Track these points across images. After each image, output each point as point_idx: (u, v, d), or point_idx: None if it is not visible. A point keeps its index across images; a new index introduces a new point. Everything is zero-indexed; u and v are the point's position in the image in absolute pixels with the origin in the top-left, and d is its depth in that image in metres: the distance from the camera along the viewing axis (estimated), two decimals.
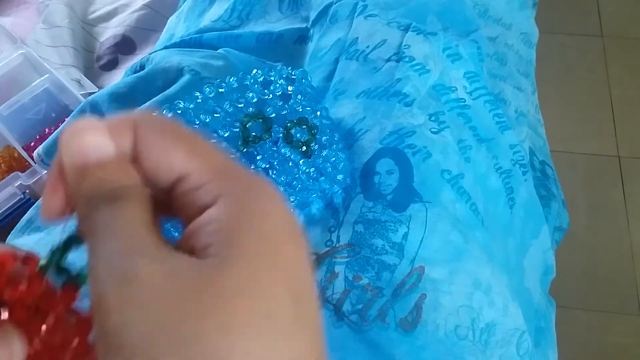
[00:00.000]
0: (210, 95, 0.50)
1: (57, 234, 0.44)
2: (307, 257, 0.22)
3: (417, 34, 0.59)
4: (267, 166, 0.49)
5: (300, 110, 0.50)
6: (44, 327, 0.23)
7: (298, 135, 0.49)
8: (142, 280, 0.19)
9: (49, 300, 0.23)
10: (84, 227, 0.21)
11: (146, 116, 0.23)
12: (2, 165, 0.84)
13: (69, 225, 0.24)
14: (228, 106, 0.49)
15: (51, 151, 0.67)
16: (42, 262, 0.23)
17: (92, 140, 0.22)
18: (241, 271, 0.19)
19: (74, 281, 0.24)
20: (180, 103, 0.50)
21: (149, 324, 0.18)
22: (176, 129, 0.23)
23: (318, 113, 0.51)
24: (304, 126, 0.49)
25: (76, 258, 0.24)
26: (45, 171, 0.75)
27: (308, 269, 0.21)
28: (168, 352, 0.18)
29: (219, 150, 0.23)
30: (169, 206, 0.23)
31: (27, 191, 0.80)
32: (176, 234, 0.47)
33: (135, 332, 0.18)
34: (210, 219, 0.21)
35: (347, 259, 0.47)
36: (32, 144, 0.85)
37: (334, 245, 0.48)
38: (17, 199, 0.79)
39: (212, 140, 0.23)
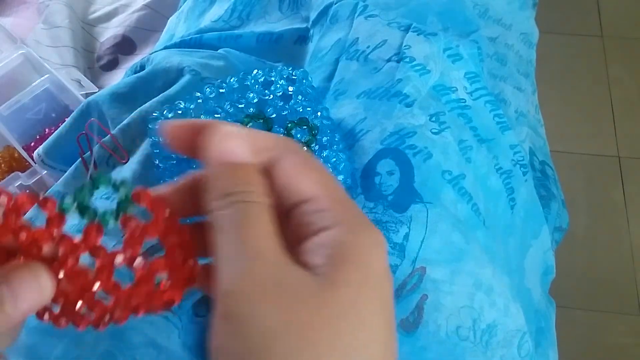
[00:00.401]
0: (211, 96, 0.50)
1: None
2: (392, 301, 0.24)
3: (418, 35, 0.59)
4: None
5: (301, 110, 0.50)
6: (69, 263, 0.23)
7: (298, 135, 0.49)
8: (266, 284, 0.22)
9: (70, 242, 0.23)
10: (216, 218, 0.24)
11: (288, 141, 0.27)
12: (2, 165, 0.84)
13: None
14: (229, 106, 0.49)
15: (51, 151, 0.67)
16: (67, 200, 0.24)
17: (240, 145, 0.25)
18: (347, 297, 0.22)
19: (98, 220, 0.24)
20: (181, 103, 0.50)
21: (269, 321, 0.21)
22: (310, 158, 0.26)
23: (319, 114, 0.51)
24: (305, 127, 0.49)
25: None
26: (45, 171, 0.75)
27: (393, 309, 0.24)
28: (282, 353, 0.21)
29: (340, 186, 0.26)
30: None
31: (27, 191, 0.80)
32: None
33: (256, 325, 0.21)
34: (326, 241, 0.23)
35: None
36: (32, 144, 0.85)
37: None
38: None
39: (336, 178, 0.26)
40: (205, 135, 0.25)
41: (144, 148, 0.55)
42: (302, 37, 0.68)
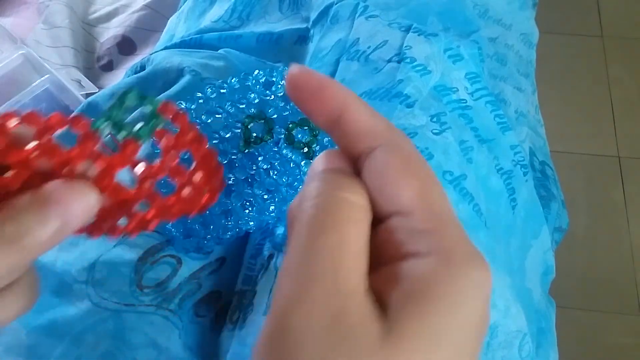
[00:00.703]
0: (212, 96, 0.50)
1: None
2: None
3: (418, 35, 0.59)
4: (268, 167, 0.49)
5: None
6: (108, 180, 0.23)
7: (300, 136, 0.49)
8: (322, 313, 0.18)
9: (107, 158, 0.23)
10: (300, 215, 0.21)
11: (403, 138, 0.22)
12: None
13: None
14: (229, 107, 0.49)
15: None
16: (100, 120, 0.24)
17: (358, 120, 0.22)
18: (410, 354, 0.18)
19: (134, 136, 0.24)
20: (181, 103, 0.50)
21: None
22: (416, 159, 0.22)
23: None
24: (306, 127, 0.49)
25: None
26: None
27: None
28: None
29: (449, 204, 0.21)
30: None
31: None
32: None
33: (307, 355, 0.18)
34: (411, 273, 0.19)
35: None
36: None
37: None
38: None
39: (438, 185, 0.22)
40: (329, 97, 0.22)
41: (144, 148, 0.55)
42: (302, 37, 0.68)
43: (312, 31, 0.68)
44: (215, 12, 0.74)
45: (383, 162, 0.21)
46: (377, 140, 0.22)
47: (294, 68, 0.23)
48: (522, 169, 0.61)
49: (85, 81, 0.89)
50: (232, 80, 0.51)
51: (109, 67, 0.97)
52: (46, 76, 0.86)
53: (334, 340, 0.18)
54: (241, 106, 0.49)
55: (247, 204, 0.47)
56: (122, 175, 0.24)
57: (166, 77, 0.61)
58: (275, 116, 0.49)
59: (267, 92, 0.50)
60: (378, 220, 0.21)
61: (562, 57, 1.67)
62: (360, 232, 0.20)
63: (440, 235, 0.20)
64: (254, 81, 0.50)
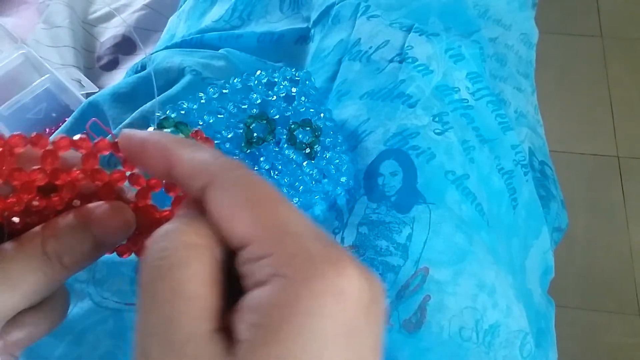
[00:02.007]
0: (214, 96, 0.50)
1: None
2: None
3: (420, 35, 0.59)
4: (269, 167, 0.49)
5: (304, 111, 0.50)
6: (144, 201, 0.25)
7: (301, 136, 0.49)
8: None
9: (144, 181, 0.25)
10: (144, 259, 0.20)
11: (226, 169, 0.21)
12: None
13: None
14: (232, 107, 0.49)
15: None
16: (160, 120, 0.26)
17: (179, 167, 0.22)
18: None
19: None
20: (184, 103, 0.50)
21: None
22: (251, 187, 0.21)
23: (322, 115, 0.51)
24: (308, 128, 0.49)
25: None
26: None
27: None
28: None
29: (297, 218, 0.20)
30: None
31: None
32: None
33: None
34: (251, 304, 0.19)
35: None
36: None
37: None
38: None
39: (291, 204, 0.21)
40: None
41: None
42: (302, 37, 0.68)
43: (312, 31, 0.68)
44: (216, 12, 0.74)
45: (212, 202, 0.21)
46: (202, 179, 0.21)
47: (121, 134, 0.24)
48: (523, 168, 0.61)
49: (86, 81, 0.89)
50: (235, 81, 0.51)
51: (110, 66, 0.97)
52: (46, 76, 0.86)
53: None
54: (243, 106, 0.49)
55: None
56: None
57: (167, 77, 0.61)
58: (277, 117, 0.49)
59: (269, 92, 0.50)
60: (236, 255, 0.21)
61: (562, 57, 1.67)
62: (193, 273, 0.19)
63: (278, 256, 0.19)
64: (256, 82, 0.50)
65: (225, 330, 0.19)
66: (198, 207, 0.22)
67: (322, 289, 0.18)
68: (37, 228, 0.24)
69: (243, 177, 0.21)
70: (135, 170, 0.25)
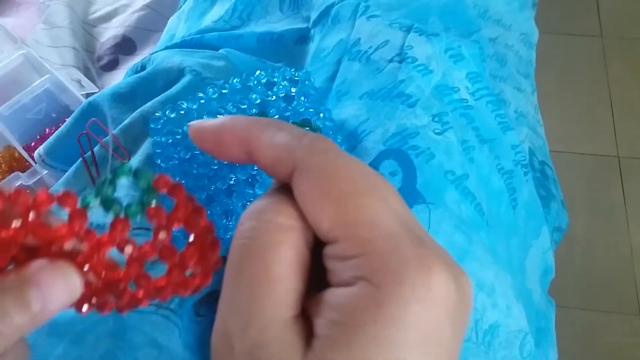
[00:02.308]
0: (214, 96, 0.50)
1: None
2: None
3: (420, 35, 0.59)
4: None
5: (304, 111, 0.50)
6: (95, 259, 0.23)
7: None
8: (245, 346, 0.18)
9: (95, 238, 0.23)
10: (235, 236, 0.20)
11: (310, 151, 0.20)
12: (3, 165, 0.84)
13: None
14: (231, 107, 0.49)
15: (52, 151, 0.67)
16: (89, 195, 0.23)
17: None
18: None
19: (125, 214, 0.23)
20: (183, 103, 0.50)
21: None
22: (336, 176, 0.20)
23: (321, 115, 0.51)
24: (307, 128, 0.49)
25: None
26: (46, 171, 0.75)
27: None
28: None
29: (385, 213, 0.19)
30: None
31: (28, 191, 0.80)
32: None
33: None
34: (335, 302, 0.18)
35: None
36: (33, 144, 0.85)
37: None
38: None
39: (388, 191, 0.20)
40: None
41: (145, 148, 0.55)
42: (303, 37, 0.68)
43: (312, 31, 0.68)
44: (216, 12, 0.74)
45: (298, 192, 0.20)
46: (287, 166, 0.20)
47: (191, 125, 0.23)
48: (523, 168, 0.61)
49: (86, 81, 0.89)
50: (234, 81, 0.51)
51: (110, 67, 0.97)
52: (46, 76, 0.86)
53: None
54: (243, 106, 0.49)
55: (249, 204, 0.47)
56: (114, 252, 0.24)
57: (167, 77, 0.61)
58: (276, 116, 0.49)
59: (269, 92, 0.50)
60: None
61: (562, 57, 1.67)
62: (283, 255, 0.19)
63: (366, 259, 0.18)
64: (255, 82, 0.50)
65: (304, 316, 0.19)
66: (288, 189, 0.21)
67: (410, 296, 0.18)
68: None
69: (328, 163, 0.20)
70: (86, 226, 0.23)
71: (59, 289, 0.21)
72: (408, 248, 0.18)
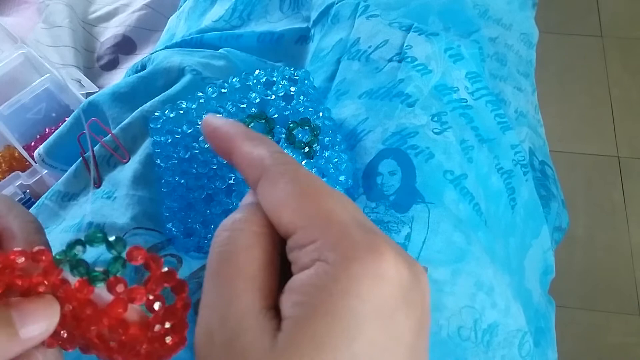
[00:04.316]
0: (213, 96, 0.50)
1: (58, 232, 0.44)
2: (402, 342, 0.20)
3: (419, 35, 0.59)
4: None
5: (303, 111, 0.50)
6: (67, 308, 0.24)
7: (300, 136, 0.49)
8: (220, 335, 0.21)
9: (68, 289, 0.24)
10: (212, 243, 0.23)
11: (274, 162, 0.23)
12: (3, 164, 0.84)
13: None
14: (230, 106, 0.49)
15: (51, 151, 0.67)
16: (60, 254, 0.24)
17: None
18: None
19: (89, 275, 0.24)
20: (182, 103, 0.50)
21: None
22: (297, 179, 0.22)
23: (320, 114, 0.51)
24: (307, 127, 0.49)
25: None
26: (46, 171, 0.75)
27: (399, 354, 0.20)
28: None
29: (340, 206, 0.22)
30: None
31: (28, 191, 0.80)
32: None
33: None
34: (295, 286, 0.20)
35: None
36: (33, 143, 0.85)
37: None
38: (18, 198, 0.79)
39: (337, 192, 0.23)
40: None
41: (145, 147, 0.55)
42: (303, 37, 0.68)
43: (312, 31, 0.68)
44: (216, 12, 0.74)
45: (261, 194, 0.23)
46: (256, 172, 0.23)
47: (205, 119, 0.26)
48: (523, 168, 0.61)
49: (86, 81, 0.89)
50: (233, 80, 0.51)
51: (110, 66, 0.97)
52: (46, 76, 0.86)
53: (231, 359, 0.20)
54: (242, 106, 0.49)
55: None
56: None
57: (167, 77, 0.61)
58: (276, 116, 0.49)
59: (268, 91, 0.50)
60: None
61: (562, 57, 1.67)
62: (254, 257, 0.22)
63: (321, 242, 0.20)
64: (254, 81, 0.50)
65: (277, 309, 0.21)
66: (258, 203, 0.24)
67: (361, 272, 0.19)
68: None
69: (291, 170, 0.23)
70: (61, 276, 0.24)
71: (39, 314, 0.22)
72: (359, 234, 0.21)
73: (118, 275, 0.24)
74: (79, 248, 0.23)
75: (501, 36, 0.72)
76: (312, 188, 0.22)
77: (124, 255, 0.23)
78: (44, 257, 0.23)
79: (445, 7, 0.66)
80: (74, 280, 0.24)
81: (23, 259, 0.23)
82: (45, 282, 0.23)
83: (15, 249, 0.23)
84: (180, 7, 0.83)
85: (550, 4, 1.64)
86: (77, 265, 0.24)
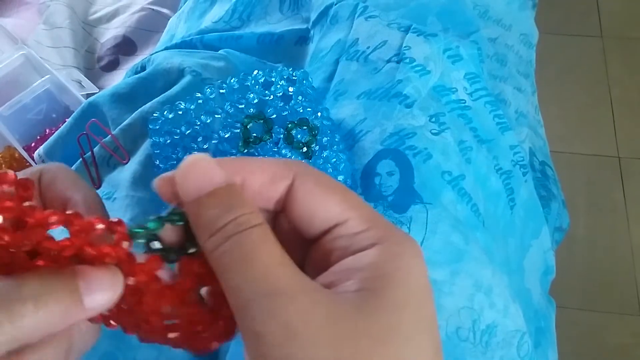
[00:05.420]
0: (211, 96, 0.50)
1: (58, 233, 0.44)
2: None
3: (418, 35, 0.59)
4: None
5: (301, 111, 0.50)
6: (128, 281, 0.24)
7: (299, 136, 0.50)
8: (306, 328, 0.20)
9: (132, 265, 0.24)
10: (217, 258, 0.22)
11: (303, 165, 0.25)
12: (3, 165, 0.84)
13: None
14: (229, 107, 0.49)
15: (52, 152, 0.67)
16: (134, 229, 0.24)
17: (202, 172, 0.23)
18: (391, 322, 0.21)
19: (163, 253, 0.24)
20: (181, 104, 0.50)
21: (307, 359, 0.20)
22: (329, 180, 0.25)
23: (319, 114, 0.51)
24: (305, 127, 0.49)
25: None
26: None
27: (436, 320, 0.23)
28: None
29: (363, 202, 0.25)
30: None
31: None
32: None
33: None
34: (362, 264, 0.22)
35: None
36: (33, 144, 0.85)
37: None
38: None
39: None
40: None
41: (144, 148, 0.55)
42: (302, 38, 0.68)
43: (312, 32, 0.68)
44: (216, 13, 0.74)
45: (304, 191, 0.24)
46: (287, 176, 0.24)
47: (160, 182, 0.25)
48: (522, 169, 0.61)
49: (86, 81, 0.89)
50: (232, 81, 0.51)
51: (110, 67, 0.97)
52: (47, 76, 0.86)
53: (312, 334, 0.20)
54: (240, 106, 0.50)
55: None
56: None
57: (167, 78, 0.61)
58: (274, 116, 0.50)
59: (267, 92, 0.50)
60: (321, 236, 0.24)
61: (562, 57, 1.67)
62: (274, 243, 0.22)
63: (375, 229, 0.23)
64: (253, 81, 0.51)
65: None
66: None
67: (412, 252, 0.23)
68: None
69: (319, 172, 0.25)
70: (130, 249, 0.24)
71: (104, 283, 0.23)
72: (393, 225, 0.24)
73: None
74: (156, 225, 0.24)
75: (501, 37, 0.72)
76: (341, 185, 0.25)
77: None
78: (119, 228, 0.23)
79: (444, 7, 0.66)
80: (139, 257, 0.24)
81: (102, 225, 0.23)
82: (113, 254, 0.23)
83: (95, 217, 0.23)
84: (181, 8, 0.83)
85: (550, 4, 1.64)
86: (153, 239, 0.24)
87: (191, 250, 0.24)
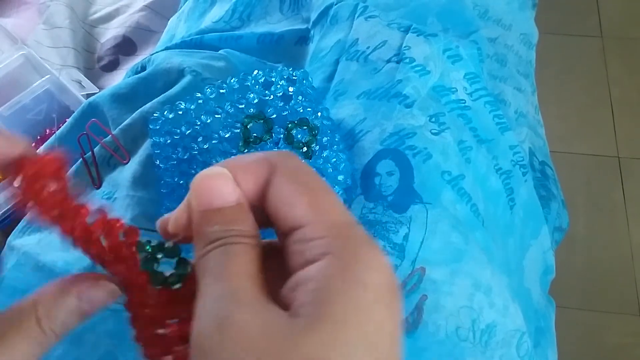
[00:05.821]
0: (211, 96, 0.50)
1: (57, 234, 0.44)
2: (397, 327, 0.22)
3: (418, 35, 0.59)
4: None
5: (301, 111, 0.50)
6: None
7: (299, 136, 0.50)
8: (238, 327, 0.20)
9: (135, 275, 0.25)
10: (198, 267, 0.23)
11: (285, 158, 0.24)
12: None
13: None
14: (229, 107, 0.49)
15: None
16: (142, 242, 0.26)
17: (218, 188, 0.24)
18: (326, 338, 0.20)
19: (161, 279, 0.25)
20: (181, 104, 0.50)
21: None
22: (308, 177, 0.24)
23: (319, 114, 0.51)
24: (305, 127, 0.49)
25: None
26: None
27: (394, 337, 0.22)
28: None
29: (341, 207, 0.24)
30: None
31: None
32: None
33: None
34: (309, 276, 0.22)
35: None
36: (33, 144, 0.85)
37: None
38: (18, 199, 0.79)
39: (336, 194, 0.25)
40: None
41: (144, 148, 0.55)
42: (302, 38, 0.68)
43: (312, 32, 0.68)
44: (216, 13, 0.74)
45: (275, 187, 0.24)
46: (265, 168, 0.24)
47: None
48: (521, 169, 0.61)
49: (86, 82, 0.89)
50: (232, 81, 0.51)
51: (110, 67, 0.97)
52: (47, 77, 0.86)
53: (250, 343, 0.20)
54: (240, 106, 0.50)
55: None
56: None
57: (167, 78, 0.61)
58: (274, 116, 0.50)
59: (267, 92, 0.50)
60: (286, 237, 0.24)
61: (562, 57, 1.67)
62: (250, 260, 0.23)
63: (333, 238, 0.22)
64: (253, 81, 0.51)
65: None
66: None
67: (368, 264, 0.22)
68: (30, 299, 0.25)
69: (300, 166, 0.24)
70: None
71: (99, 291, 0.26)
72: (361, 232, 0.23)
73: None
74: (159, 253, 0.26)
75: (501, 37, 0.72)
76: (319, 185, 0.24)
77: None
78: (134, 236, 0.26)
79: (444, 7, 0.66)
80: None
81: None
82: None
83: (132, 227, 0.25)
84: (181, 8, 0.83)
85: (550, 5, 1.63)
86: (154, 271, 0.25)
87: (176, 286, 0.25)
